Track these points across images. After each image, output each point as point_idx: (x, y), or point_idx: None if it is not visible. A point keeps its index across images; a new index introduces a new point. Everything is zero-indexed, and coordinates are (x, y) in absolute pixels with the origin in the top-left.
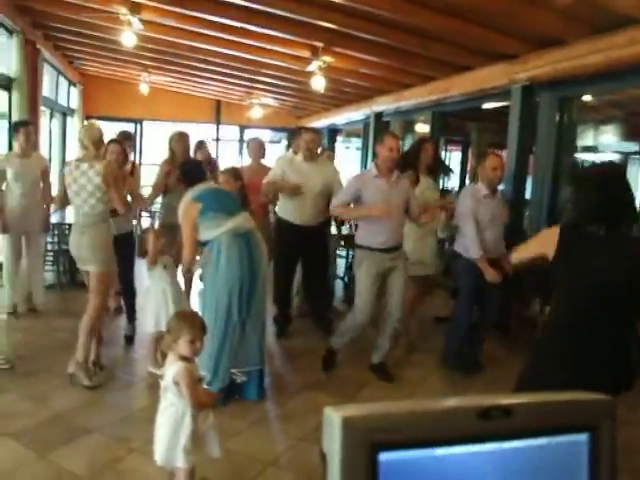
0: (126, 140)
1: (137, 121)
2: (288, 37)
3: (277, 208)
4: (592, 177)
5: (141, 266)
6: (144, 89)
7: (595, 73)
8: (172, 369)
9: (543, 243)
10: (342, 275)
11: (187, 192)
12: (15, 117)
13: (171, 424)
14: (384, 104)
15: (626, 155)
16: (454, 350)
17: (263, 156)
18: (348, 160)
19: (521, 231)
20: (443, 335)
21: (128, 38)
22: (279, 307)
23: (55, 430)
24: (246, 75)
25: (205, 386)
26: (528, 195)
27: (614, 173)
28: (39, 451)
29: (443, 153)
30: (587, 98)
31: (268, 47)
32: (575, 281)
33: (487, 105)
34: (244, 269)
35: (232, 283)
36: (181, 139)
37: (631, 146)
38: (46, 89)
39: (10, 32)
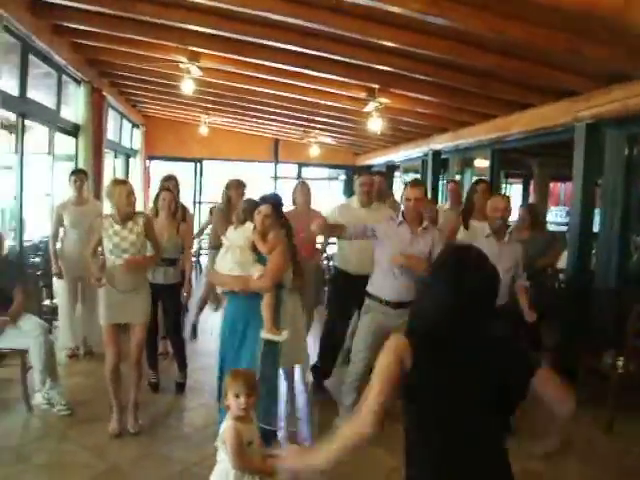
0: (170, 182)
1: (197, 160)
2: (343, 79)
3: (334, 258)
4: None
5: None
6: (203, 130)
7: None
8: (222, 426)
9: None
10: None
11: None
12: (81, 161)
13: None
14: (442, 142)
15: None
16: None
17: (309, 201)
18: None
19: (588, 270)
20: None
21: (187, 85)
22: (322, 359)
23: None
24: (303, 115)
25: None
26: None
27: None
28: None
29: (504, 186)
30: None
31: (325, 89)
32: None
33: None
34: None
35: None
36: (240, 187)
37: None
38: (110, 132)
39: (78, 82)
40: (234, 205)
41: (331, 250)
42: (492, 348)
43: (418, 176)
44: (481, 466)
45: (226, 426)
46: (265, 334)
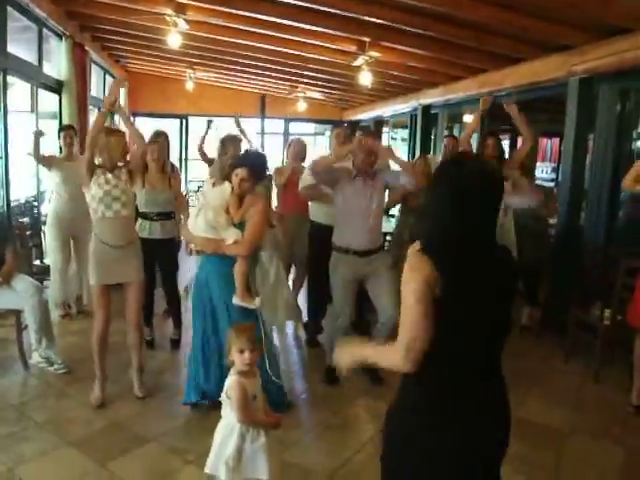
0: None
1: (182, 116)
2: (334, 32)
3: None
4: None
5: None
6: (189, 86)
7: None
8: (227, 381)
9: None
10: None
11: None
12: (65, 118)
13: (221, 435)
14: (432, 96)
15: None
16: None
17: (304, 158)
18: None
19: (578, 226)
20: None
21: (174, 39)
22: (310, 314)
23: (113, 439)
24: (291, 70)
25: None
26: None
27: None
28: (99, 461)
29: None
30: None
31: (315, 43)
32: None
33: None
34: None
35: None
36: (236, 141)
37: None
38: (93, 88)
39: (60, 36)
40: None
41: None
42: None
43: (406, 132)
44: (496, 386)
45: (230, 381)
46: (237, 301)
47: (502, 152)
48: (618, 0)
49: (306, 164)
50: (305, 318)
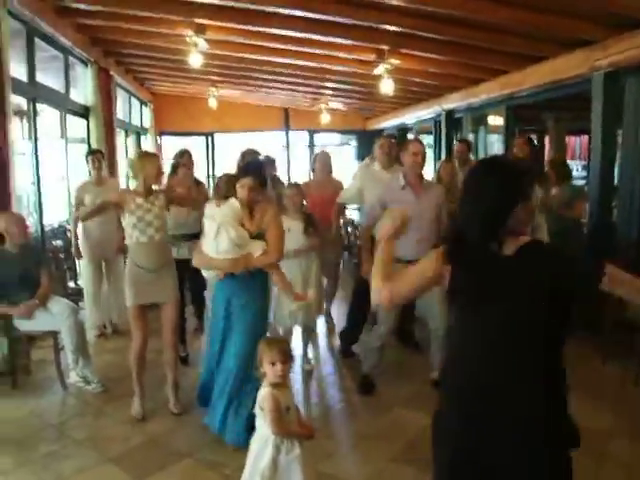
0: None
1: (208, 134)
2: (352, 43)
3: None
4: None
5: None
6: (213, 103)
7: None
8: (260, 393)
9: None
10: None
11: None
12: (93, 142)
13: (256, 448)
14: (455, 101)
15: None
16: None
17: (331, 170)
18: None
19: (610, 223)
20: None
21: (195, 59)
22: (352, 323)
23: (150, 454)
24: (313, 82)
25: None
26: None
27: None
28: (137, 477)
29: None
30: None
31: (333, 54)
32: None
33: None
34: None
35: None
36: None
37: None
38: (119, 111)
39: (85, 63)
40: None
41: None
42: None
43: (432, 138)
44: (510, 379)
45: (264, 393)
46: (296, 302)
47: (535, 153)
48: None
49: (335, 174)
50: (340, 326)
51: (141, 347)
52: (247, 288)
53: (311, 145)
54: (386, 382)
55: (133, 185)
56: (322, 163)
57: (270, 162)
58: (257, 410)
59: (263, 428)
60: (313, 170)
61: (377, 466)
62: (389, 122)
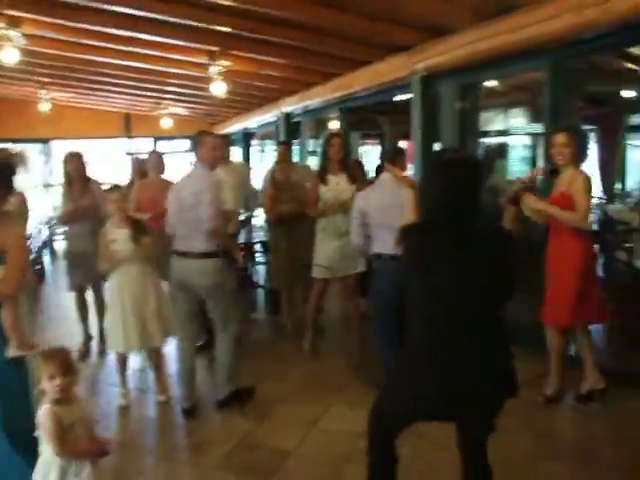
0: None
1: (44, 141)
2: (182, 44)
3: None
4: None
5: None
6: (44, 107)
7: (489, 59)
8: (39, 413)
9: None
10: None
11: None
12: None
13: (40, 475)
14: (292, 104)
15: (535, 136)
16: None
17: (163, 171)
18: (264, 163)
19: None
20: None
21: (9, 54)
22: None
23: None
24: (151, 85)
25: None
26: None
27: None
28: None
29: (360, 149)
30: (493, 84)
31: (166, 55)
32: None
33: (398, 97)
34: None
35: None
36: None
37: (539, 127)
38: None
39: None
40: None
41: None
42: (480, 240)
43: (273, 142)
44: (465, 353)
45: (42, 411)
46: (14, 352)
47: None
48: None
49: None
50: None
51: None
52: None
53: (130, 153)
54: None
55: None
56: (153, 164)
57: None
58: (38, 432)
59: (46, 452)
60: (147, 172)
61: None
62: (234, 127)
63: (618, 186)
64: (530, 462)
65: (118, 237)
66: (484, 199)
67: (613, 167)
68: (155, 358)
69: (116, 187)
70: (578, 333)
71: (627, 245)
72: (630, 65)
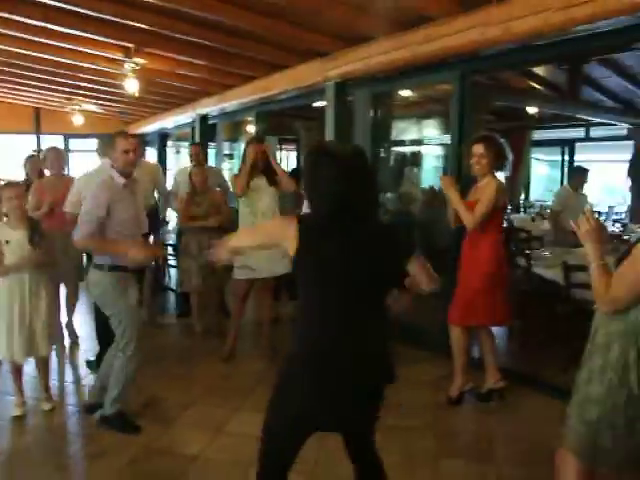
0: None
1: None
2: (97, 38)
3: None
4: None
5: None
6: None
7: (402, 68)
8: None
9: (275, 233)
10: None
11: None
12: None
13: None
14: (208, 106)
15: (446, 146)
16: None
17: (63, 167)
18: (179, 165)
19: None
20: None
21: None
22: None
23: None
24: (63, 80)
25: None
26: None
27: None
28: None
29: (278, 153)
30: (407, 93)
31: (79, 49)
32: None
33: (317, 103)
34: None
35: None
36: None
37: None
38: None
39: None
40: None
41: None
42: (374, 234)
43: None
44: (354, 335)
45: None
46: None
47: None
48: (353, 9)
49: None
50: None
51: None
52: None
53: (67, 151)
54: None
55: None
56: (53, 159)
57: None
58: None
59: None
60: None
61: None
62: (150, 127)
63: (522, 197)
64: (431, 460)
65: (12, 239)
66: (381, 200)
67: (517, 180)
68: (41, 366)
69: (11, 183)
70: (481, 334)
71: (527, 252)
72: (533, 84)
